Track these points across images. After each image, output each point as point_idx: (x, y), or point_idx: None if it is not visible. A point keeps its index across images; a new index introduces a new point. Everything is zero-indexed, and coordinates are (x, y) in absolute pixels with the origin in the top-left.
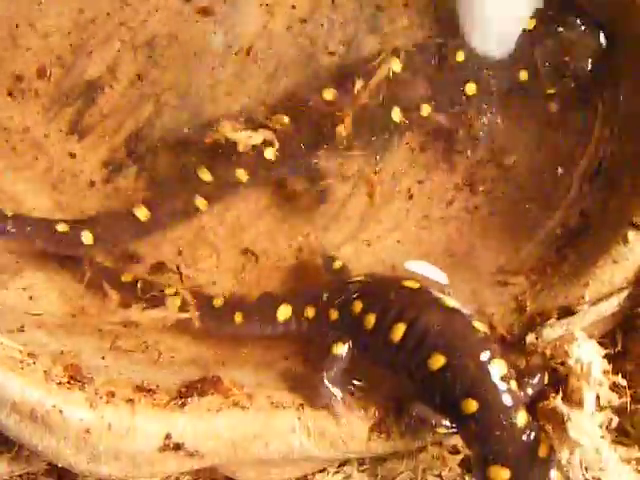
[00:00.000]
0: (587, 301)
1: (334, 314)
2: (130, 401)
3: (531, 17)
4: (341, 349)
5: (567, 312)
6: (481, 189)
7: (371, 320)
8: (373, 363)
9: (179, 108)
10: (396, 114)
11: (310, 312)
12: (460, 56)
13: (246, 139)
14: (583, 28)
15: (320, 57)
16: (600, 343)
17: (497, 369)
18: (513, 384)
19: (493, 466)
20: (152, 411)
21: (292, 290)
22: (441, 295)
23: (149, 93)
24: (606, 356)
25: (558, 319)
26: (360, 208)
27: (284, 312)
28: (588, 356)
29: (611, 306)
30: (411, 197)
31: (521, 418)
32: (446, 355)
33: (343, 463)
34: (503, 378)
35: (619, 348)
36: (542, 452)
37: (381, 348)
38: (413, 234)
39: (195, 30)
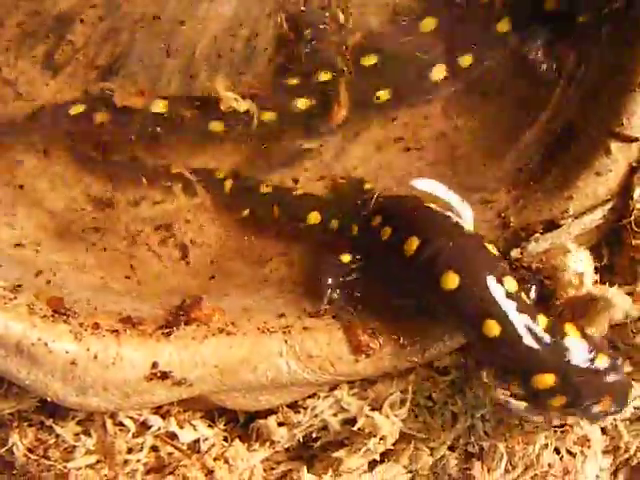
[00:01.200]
0: (571, 214)
1: (355, 229)
2: (115, 332)
3: None
4: (348, 259)
5: (551, 226)
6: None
7: (387, 232)
8: (383, 281)
9: (151, 42)
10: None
11: (335, 224)
12: None
13: (232, 101)
14: None
15: None
16: None
17: (510, 286)
18: (524, 297)
19: (536, 376)
20: (137, 340)
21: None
22: (458, 219)
23: (120, 26)
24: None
25: (542, 233)
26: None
27: (313, 218)
28: (582, 266)
29: (595, 218)
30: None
31: (541, 323)
32: (460, 274)
33: (333, 388)
34: (516, 293)
35: (605, 261)
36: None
37: (395, 263)
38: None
39: None
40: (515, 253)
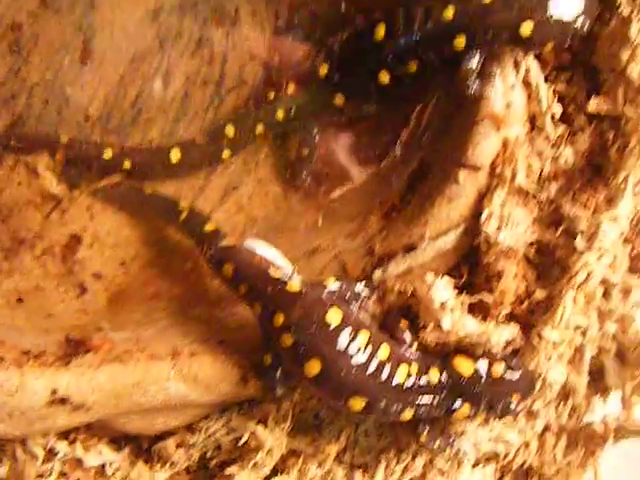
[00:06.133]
0: (427, 238)
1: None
2: (18, 363)
3: None
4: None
5: (410, 250)
6: None
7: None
8: None
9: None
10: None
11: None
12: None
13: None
14: None
15: None
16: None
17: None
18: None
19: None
20: (39, 370)
21: None
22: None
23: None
24: (455, 287)
25: (402, 256)
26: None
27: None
28: (443, 295)
29: (448, 241)
30: None
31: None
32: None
33: (224, 409)
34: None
35: (465, 279)
36: None
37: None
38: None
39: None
40: (377, 274)
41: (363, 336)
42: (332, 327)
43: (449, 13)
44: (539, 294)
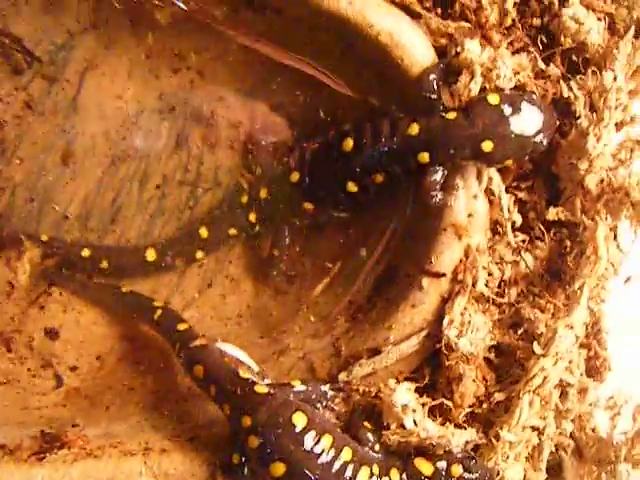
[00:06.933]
0: (392, 342)
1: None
2: None
3: None
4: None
5: (375, 353)
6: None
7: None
8: None
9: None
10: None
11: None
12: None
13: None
14: None
15: None
16: (411, 378)
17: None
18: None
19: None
20: (14, 466)
21: None
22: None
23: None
24: (417, 389)
25: (367, 359)
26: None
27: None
28: (404, 398)
29: (411, 345)
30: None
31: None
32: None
33: None
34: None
35: (427, 380)
36: None
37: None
38: None
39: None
40: (342, 376)
41: (327, 439)
42: (298, 429)
43: (414, 129)
44: (498, 396)
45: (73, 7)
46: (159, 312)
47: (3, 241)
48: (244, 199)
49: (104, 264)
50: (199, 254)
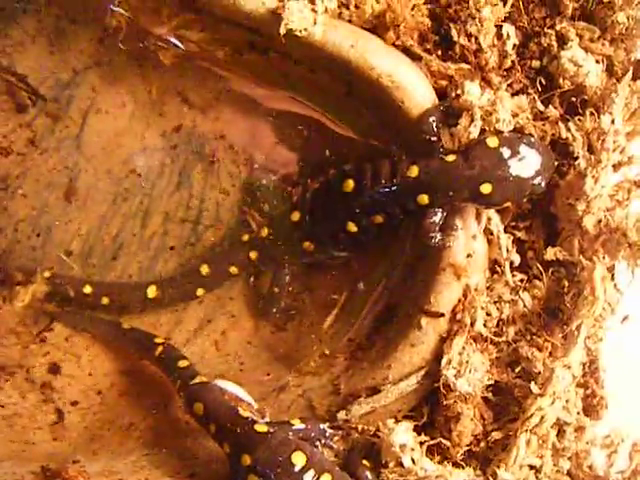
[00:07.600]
0: (390, 381)
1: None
2: None
3: None
4: None
5: (374, 391)
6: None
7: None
8: None
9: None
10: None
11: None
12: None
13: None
14: None
15: None
16: (410, 416)
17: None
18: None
19: None
20: None
21: None
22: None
23: (5, 224)
24: (415, 427)
25: (366, 398)
26: None
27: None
28: (403, 438)
29: (410, 384)
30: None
31: None
32: None
33: None
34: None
35: (425, 419)
36: None
37: None
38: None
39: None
40: (341, 415)
41: (326, 478)
42: (297, 469)
43: (414, 171)
44: (496, 435)
45: (78, 46)
46: (160, 349)
47: (5, 278)
48: (245, 237)
49: (105, 300)
50: (200, 291)
